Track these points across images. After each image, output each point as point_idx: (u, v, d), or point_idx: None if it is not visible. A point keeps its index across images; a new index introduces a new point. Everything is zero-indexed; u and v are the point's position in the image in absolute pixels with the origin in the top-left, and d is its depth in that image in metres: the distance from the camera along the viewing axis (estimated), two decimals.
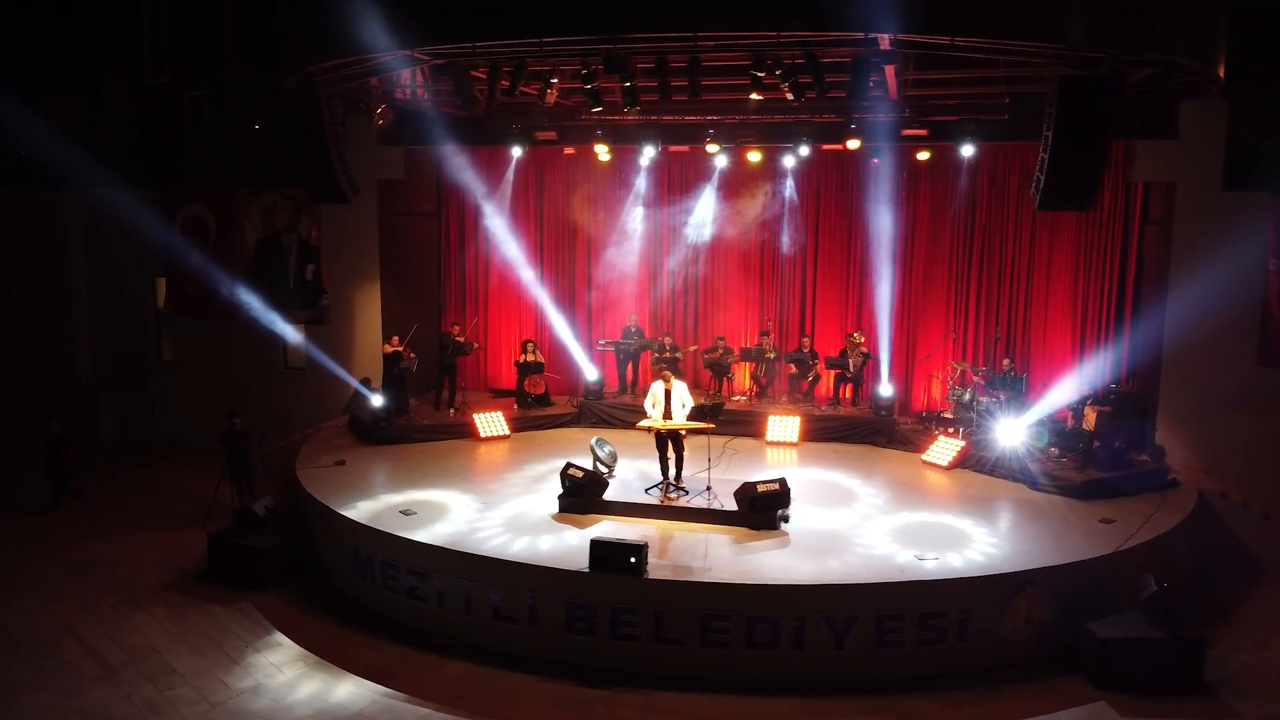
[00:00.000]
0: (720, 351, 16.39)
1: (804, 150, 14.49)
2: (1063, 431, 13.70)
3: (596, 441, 13.12)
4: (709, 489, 11.80)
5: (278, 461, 15.20)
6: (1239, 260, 13.49)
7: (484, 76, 11.33)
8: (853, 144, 14.15)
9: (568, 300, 17.49)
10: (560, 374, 17.18)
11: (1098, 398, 13.51)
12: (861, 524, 11.70)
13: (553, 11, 9.33)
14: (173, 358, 18.90)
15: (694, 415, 12.11)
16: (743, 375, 17.01)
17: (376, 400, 15.13)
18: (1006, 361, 14.66)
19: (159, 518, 14.55)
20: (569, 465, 12.12)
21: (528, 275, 17.26)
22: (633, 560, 9.96)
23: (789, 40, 9.47)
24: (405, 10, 9.82)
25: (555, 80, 10.81)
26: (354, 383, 16.24)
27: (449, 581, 10.68)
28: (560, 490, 12.12)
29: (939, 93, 13.57)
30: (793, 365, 16.33)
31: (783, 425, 15.43)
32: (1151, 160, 13.82)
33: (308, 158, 12.52)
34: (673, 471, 12.32)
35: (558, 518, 11.84)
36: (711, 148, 14.83)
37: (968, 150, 13.94)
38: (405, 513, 11.86)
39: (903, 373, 16.29)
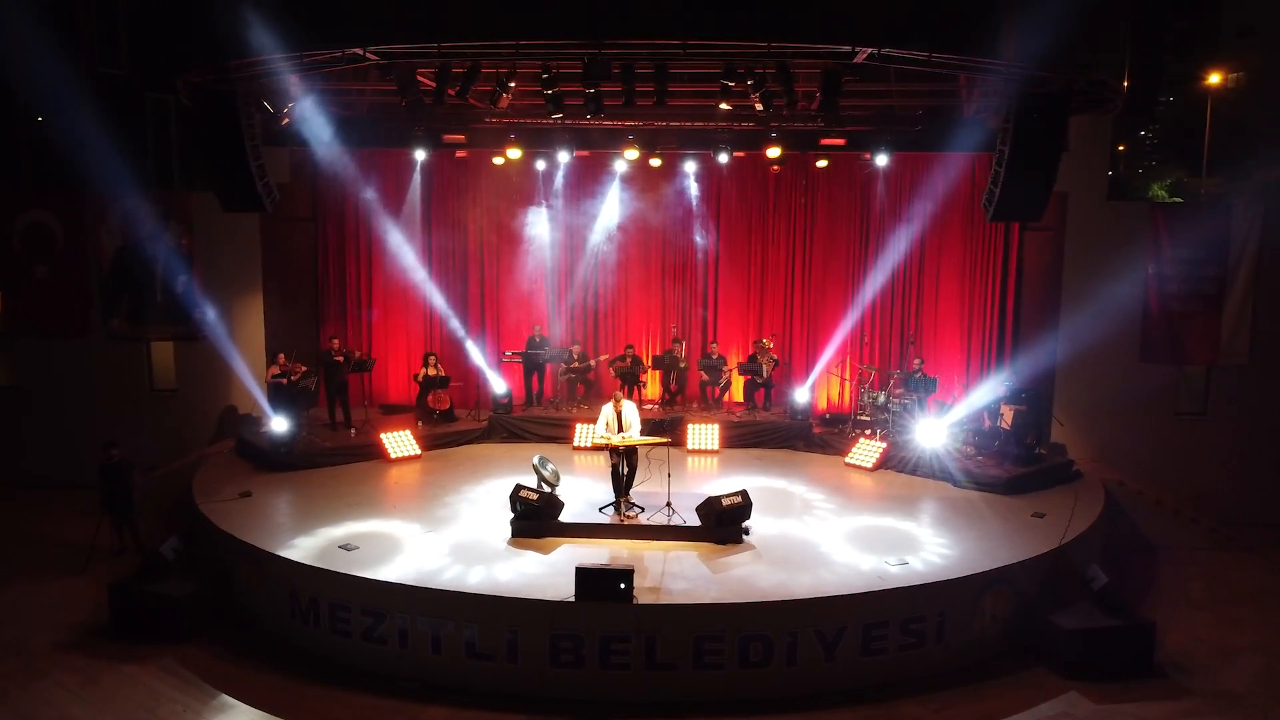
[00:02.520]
0: (630, 360, 16.13)
1: (723, 157, 14.45)
2: (980, 430, 14.30)
3: (539, 460, 12.57)
4: (669, 505, 11.55)
5: (159, 494, 13.77)
6: (1123, 265, 14.66)
7: (430, 80, 10.57)
8: (773, 152, 14.26)
9: (462, 310, 16.75)
10: (457, 387, 16.39)
11: (1011, 397, 14.16)
12: (819, 531, 11.75)
13: (539, 15, 8.83)
14: (11, 381, 16.70)
15: (651, 431, 11.90)
16: (652, 383, 16.82)
17: (280, 424, 13.91)
18: (918, 362, 15.17)
19: (28, 566, 12.75)
20: (519, 487, 11.55)
21: (420, 284, 16.41)
22: (622, 586, 9.59)
23: (777, 51, 9.35)
24: (368, 7, 9.03)
25: (513, 84, 10.23)
26: (263, 401, 14.88)
27: (413, 620, 9.91)
28: (511, 513, 11.54)
29: (859, 103, 13.85)
30: (704, 372, 16.30)
31: (702, 433, 15.34)
32: None
33: (220, 162, 11.31)
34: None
35: (514, 543, 11.25)
36: (631, 153, 14.55)
37: (882, 160, 14.35)
38: (346, 547, 10.94)
39: (806, 376, 16.54)
